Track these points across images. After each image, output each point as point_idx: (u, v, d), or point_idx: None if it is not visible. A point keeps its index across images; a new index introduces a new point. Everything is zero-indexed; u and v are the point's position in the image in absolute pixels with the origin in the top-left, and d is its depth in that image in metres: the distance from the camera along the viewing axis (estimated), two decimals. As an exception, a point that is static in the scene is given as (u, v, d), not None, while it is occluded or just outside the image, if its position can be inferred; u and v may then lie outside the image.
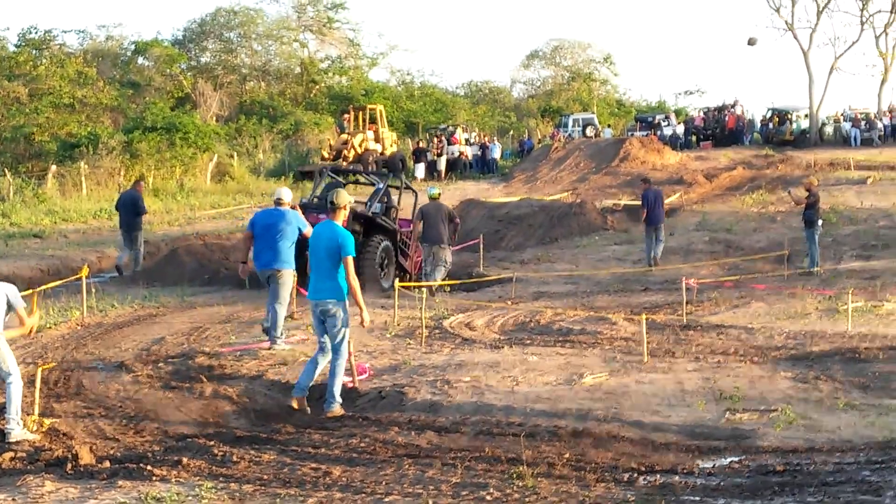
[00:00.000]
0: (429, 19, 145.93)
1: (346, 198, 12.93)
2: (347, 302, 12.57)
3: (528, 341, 16.39)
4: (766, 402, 11.86)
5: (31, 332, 11.52)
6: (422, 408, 12.06)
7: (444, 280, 22.71)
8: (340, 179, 27.14)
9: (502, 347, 15.72)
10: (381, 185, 25.24)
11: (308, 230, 15.51)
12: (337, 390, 12.32)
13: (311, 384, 12.54)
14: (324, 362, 12.61)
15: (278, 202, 16.24)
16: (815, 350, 14.92)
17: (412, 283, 21.55)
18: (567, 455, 9.67)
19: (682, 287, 18.98)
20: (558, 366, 14.18)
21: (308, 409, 12.33)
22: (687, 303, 18.95)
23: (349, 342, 12.70)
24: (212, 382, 13.42)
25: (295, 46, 79.62)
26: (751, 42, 65.90)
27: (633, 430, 10.78)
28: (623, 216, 35.71)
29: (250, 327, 17.71)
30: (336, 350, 12.48)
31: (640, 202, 28.00)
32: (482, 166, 58.70)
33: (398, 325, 17.76)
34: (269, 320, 15.82)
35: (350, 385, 13.03)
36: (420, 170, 54.41)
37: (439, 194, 23.93)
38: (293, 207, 17.23)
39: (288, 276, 15.79)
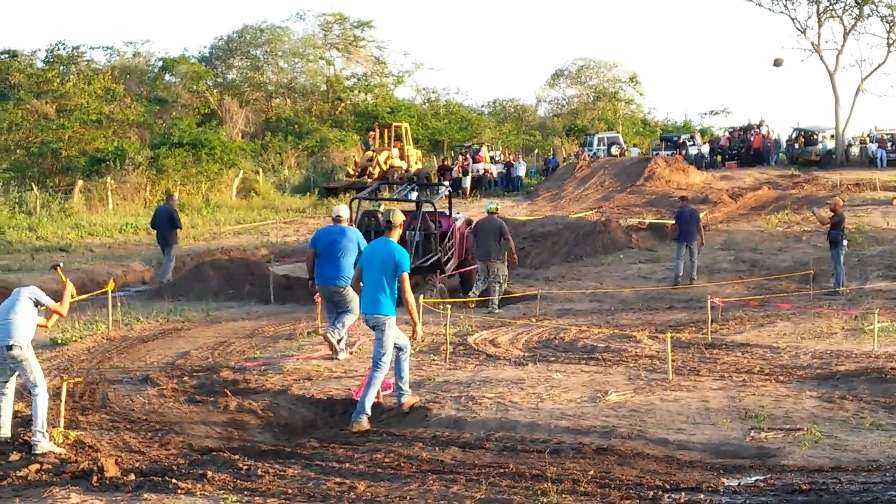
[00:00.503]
0: (455, 38, 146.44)
1: (401, 216, 13.32)
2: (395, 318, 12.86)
3: (553, 358, 16.37)
4: (791, 421, 11.82)
5: (71, 298, 11.66)
6: (446, 423, 12.06)
7: (501, 295, 22.85)
8: (371, 207, 27.32)
9: (526, 364, 15.69)
10: (417, 211, 24.75)
11: None
12: (369, 403, 12.49)
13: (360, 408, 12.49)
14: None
15: (337, 219, 16.62)
16: (841, 369, 14.85)
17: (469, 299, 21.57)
18: (591, 472, 9.65)
19: (706, 305, 18.94)
20: (582, 383, 14.17)
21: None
22: (712, 321, 18.89)
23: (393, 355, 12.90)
24: (236, 396, 13.48)
25: (321, 64, 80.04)
26: (777, 63, 65.80)
27: (657, 448, 10.75)
28: (648, 234, 35.56)
29: (275, 342, 17.77)
30: (377, 363, 12.73)
31: (666, 220, 27.95)
32: (507, 184, 58.70)
33: (423, 341, 17.71)
34: (335, 332, 15.97)
35: (375, 400, 13.04)
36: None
37: (497, 209, 23.92)
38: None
39: (352, 292, 15.60)
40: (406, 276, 12.83)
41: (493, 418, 12.17)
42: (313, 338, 17.98)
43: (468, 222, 26.18)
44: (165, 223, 27.02)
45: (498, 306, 22.54)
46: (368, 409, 12.44)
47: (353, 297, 15.54)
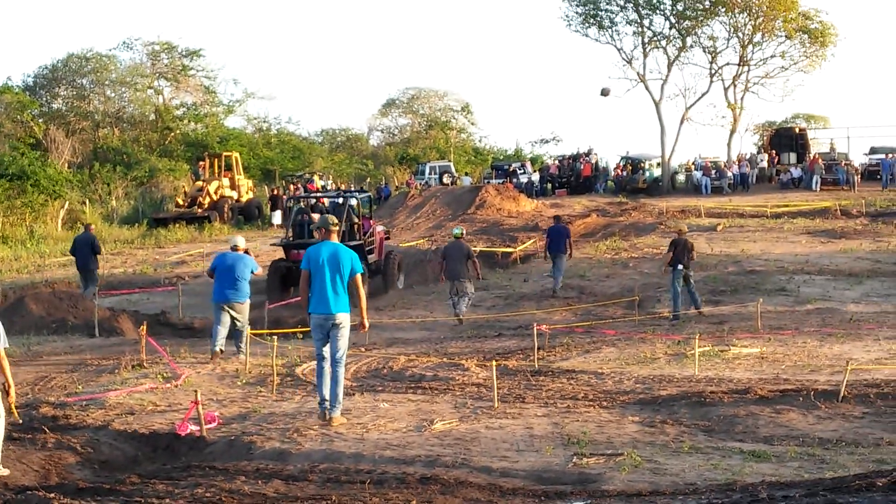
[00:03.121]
0: (286, 67, 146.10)
1: (336, 220, 14.35)
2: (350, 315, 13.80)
3: (380, 388, 16.34)
4: (613, 447, 11.97)
5: None
6: (270, 456, 11.95)
7: (467, 308, 25.87)
8: (306, 209, 32.08)
9: (353, 394, 15.60)
10: (348, 204, 30.69)
11: (259, 271, 20.26)
12: (341, 396, 13.66)
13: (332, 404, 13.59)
14: (328, 367, 13.70)
15: (234, 248, 19.64)
16: (663, 394, 15.10)
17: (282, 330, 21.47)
18: (414, 502, 9.61)
19: (533, 332, 19.11)
20: (409, 412, 14.17)
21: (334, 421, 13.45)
22: (539, 348, 19.07)
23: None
24: (55, 433, 13.12)
25: (149, 93, 78.87)
26: (604, 93, 67.00)
27: (481, 476, 10.77)
28: (479, 262, 35.81)
29: (98, 376, 17.42)
30: (338, 360, 13.65)
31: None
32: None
33: (249, 372, 17.60)
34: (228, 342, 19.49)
35: (197, 433, 12.86)
36: (277, 217, 54.02)
37: (462, 234, 27.23)
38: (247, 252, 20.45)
39: (247, 306, 19.54)
40: (360, 276, 13.81)
41: (318, 450, 12.10)
42: (137, 371, 17.68)
43: (386, 231, 33.47)
44: (87, 250, 29.73)
45: (460, 320, 25.42)
46: (342, 402, 13.69)
47: (246, 310, 19.50)
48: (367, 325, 14.16)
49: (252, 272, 19.59)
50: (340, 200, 32.16)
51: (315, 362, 14.41)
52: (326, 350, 13.70)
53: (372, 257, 30.21)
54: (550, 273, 29.91)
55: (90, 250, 29.83)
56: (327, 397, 13.58)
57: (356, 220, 30.13)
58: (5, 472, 10.69)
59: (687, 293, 25.33)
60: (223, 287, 19.15)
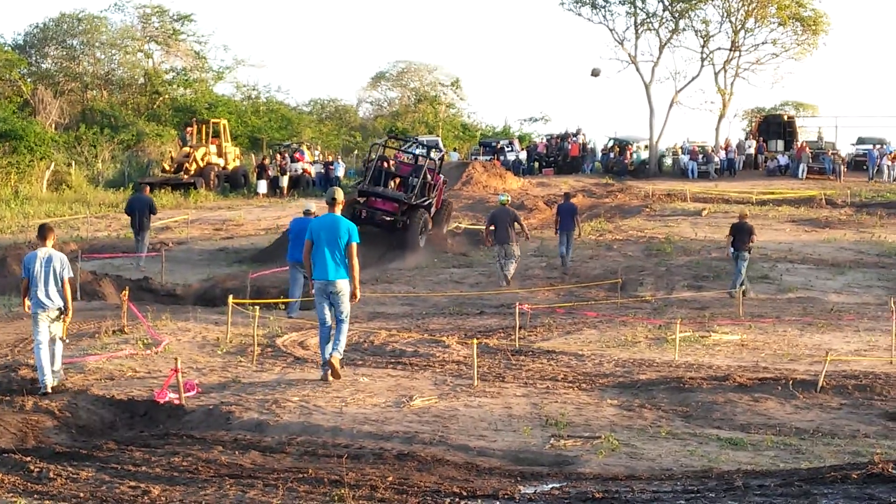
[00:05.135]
0: (277, 35, 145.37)
1: (342, 194, 15.29)
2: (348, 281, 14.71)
3: (360, 362, 16.36)
4: (590, 429, 12.01)
5: None
6: (248, 427, 11.96)
7: (514, 270, 27.57)
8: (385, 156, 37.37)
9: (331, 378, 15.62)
10: (420, 165, 34.56)
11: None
12: (343, 344, 14.78)
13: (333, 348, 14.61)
14: (328, 331, 14.73)
15: (307, 213, 21.86)
16: (642, 378, 15.16)
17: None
18: (390, 478, 9.61)
19: (515, 312, 19.13)
20: (388, 387, 14.19)
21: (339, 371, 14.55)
22: (520, 328, 19.08)
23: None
24: (33, 396, 13.12)
25: (139, 56, 78.34)
26: (594, 73, 66.71)
27: (458, 455, 10.80)
28: (463, 239, 35.86)
29: (78, 340, 17.37)
30: (342, 320, 14.68)
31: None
32: (325, 184, 58.26)
33: (230, 342, 17.60)
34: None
35: (176, 401, 12.86)
36: (262, 186, 53.87)
37: (508, 200, 29.10)
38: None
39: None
40: (356, 245, 14.66)
41: (296, 422, 12.11)
42: (118, 336, 17.67)
43: (444, 179, 36.81)
44: (145, 210, 31.38)
45: (507, 281, 27.12)
46: (343, 349, 14.82)
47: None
48: (358, 295, 14.97)
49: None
50: (418, 152, 37.46)
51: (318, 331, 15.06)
52: (328, 315, 14.67)
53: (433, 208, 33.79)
54: (559, 250, 30.74)
55: (148, 210, 31.65)
56: (329, 357, 14.54)
57: (429, 178, 33.52)
58: None
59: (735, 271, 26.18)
60: (295, 249, 21.06)
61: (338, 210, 14.93)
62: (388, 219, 31.97)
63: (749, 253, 26.10)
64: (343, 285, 14.64)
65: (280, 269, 24.84)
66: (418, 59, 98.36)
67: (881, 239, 36.04)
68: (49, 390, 13.57)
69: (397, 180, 34.64)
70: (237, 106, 77.32)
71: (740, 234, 25.99)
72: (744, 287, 25.29)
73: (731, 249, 26.20)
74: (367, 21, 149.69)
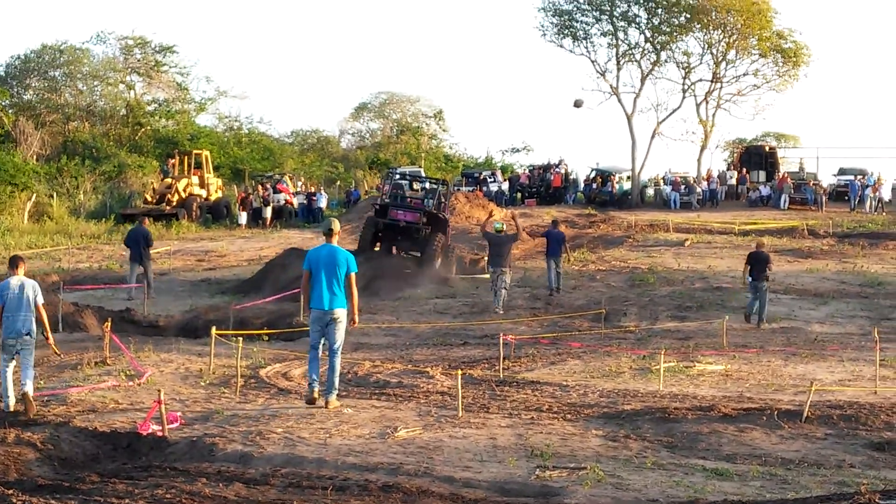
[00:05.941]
0: (259, 66, 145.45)
1: (339, 224, 15.64)
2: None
3: (344, 393, 16.26)
4: (576, 460, 11.96)
5: None
6: (232, 459, 11.87)
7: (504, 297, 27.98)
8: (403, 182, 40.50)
9: (318, 398, 15.55)
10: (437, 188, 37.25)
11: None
12: (337, 382, 14.97)
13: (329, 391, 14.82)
14: (317, 353, 15.03)
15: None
16: (627, 408, 15.12)
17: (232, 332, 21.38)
18: (376, 510, 9.57)
19: (499, 342, 19.09)
20: (373, 418, 14.13)
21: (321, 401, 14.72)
22: (504, 358, 19.06)
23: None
24: (15, 428, 13.01)
25: (121, 88, 78.29)
26: (577, 104, 66.54)
27: (443, 486, 10.73)
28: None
29: (60, 372, 17.30)
30: (336, 351, 14.93)
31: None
32: (308, 215, 58.31)
33: (213, 373, 17.52)
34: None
35: (159, 433, 12.78)
36: (243, 217, 53.83)
37: (503, 228, 29.94)
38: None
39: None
40: (354, 275, 14.92)
41: (280, 454, 12.03)
42: (100, 368, 17.58)
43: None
44: (142, 243, 31.40)
45: (501, 309, 27.59)
46: (338, 386, 15.05)
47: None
48: (357, 321, 15.40)
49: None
50: (430, 185, 39.91)
51: (308, 358, 15.22)
52: (320, 343, 15.01)
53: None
54: (547, 276, 31.42)
55: (145, 243, 31.60)
56: (316, 378, 14.85)
57: (441, 209, 35.56)
58: None
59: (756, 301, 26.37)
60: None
61: (334, 240, 15.16)
62: (412, 222, 34.25)
63: (767, 282, 26.29)
64: (341, 314, 14.90)
65: (262, 301, 24.78)
66: (400, 90, 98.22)
67: (863, 269, 36.11)
68: (11, 409, 14.14)
69: (413, 203, 36.71)
70: (219, 137, 77.38)
71: (758, 263, 26.40)
72: (759, 317, 25.88)
73: (749, 279, 26.50)
74: (349, 52, 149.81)
